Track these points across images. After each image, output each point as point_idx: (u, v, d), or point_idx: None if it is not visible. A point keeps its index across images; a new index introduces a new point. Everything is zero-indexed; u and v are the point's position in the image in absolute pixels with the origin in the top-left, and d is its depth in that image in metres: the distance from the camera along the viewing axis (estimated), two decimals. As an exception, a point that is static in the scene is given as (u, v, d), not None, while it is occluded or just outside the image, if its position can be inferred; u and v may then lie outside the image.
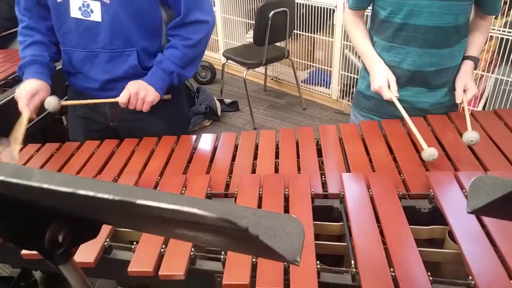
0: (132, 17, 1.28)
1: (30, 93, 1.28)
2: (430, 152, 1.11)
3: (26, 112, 1.27)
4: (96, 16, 1.26)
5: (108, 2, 1.24)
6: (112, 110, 1.42)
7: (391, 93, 1.27)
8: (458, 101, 1.33)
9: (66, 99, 1.52)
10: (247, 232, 0.25)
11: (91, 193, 0.25)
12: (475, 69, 1.38)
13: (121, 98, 1.29)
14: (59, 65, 1.44)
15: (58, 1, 1.27)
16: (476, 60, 1.36)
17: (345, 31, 1.42)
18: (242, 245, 0.37)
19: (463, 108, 1.32)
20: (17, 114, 1.29)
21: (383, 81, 1.29)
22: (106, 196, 0.24)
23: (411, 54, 1.30)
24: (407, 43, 1.30)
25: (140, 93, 1.29)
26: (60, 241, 0.47)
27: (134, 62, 1.33)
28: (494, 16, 1.38)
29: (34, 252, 0.89)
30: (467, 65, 1.35)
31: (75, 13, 1.27)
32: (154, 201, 0.23)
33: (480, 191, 0.58)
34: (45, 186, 0.26)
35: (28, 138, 1.61)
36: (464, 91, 1.33)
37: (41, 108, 1.40)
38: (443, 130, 1.28)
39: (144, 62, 1.35)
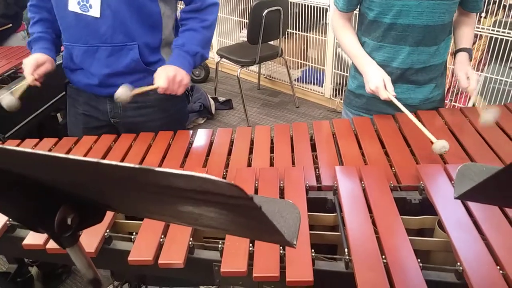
0: (133, 11, 1.30)
1: (37, 62, 1.36)
2: (441, 144, 1.13)
3: (29, 78, 1.34)
4: (95, 11, 1.27)
5: None
6: (114, 106, 1.44)
7: (388, 93, 1.29)
8: (464, 85, 1.34)
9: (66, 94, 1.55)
10: (251, 201, 0.27)
11: (114, 163, 0.27)
12: (470, 59, 1.42)
13: (162, 83, 1.29)
14: (59, 60, 1.46)
15: None
16: (469, 51, 1.41)
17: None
18: (244, 223, 0.40)
19: (452, 105, 1.35)
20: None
21: (379, 81, 1.31)
22: (127, 164, 0.27)
23: (400, 52, 1.35)
24: (397, 42, 1.34)
25: (177, 77, 1.31)
26: (69, 223, 0.50)
27: (136, 56, 1.34)
28: (477, 13, 1.43)
29: (37, 242, 0.91)
30: (462, 56, 1.39)
31: (73, 7, 1.29)
32: (170, 170, 0.26)
33: (466, 177, 0.61)
34: (71, 157, 0.28)
35: (24, 135, 1.63)
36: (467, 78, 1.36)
37: (37, 105, 1.42)
38: (433, 124, 1.32)
39: (146, 56, 1.37)
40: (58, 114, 2.33)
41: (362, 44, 1.42)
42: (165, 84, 1.30)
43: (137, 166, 0.27)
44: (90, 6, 1.27)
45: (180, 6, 1.45)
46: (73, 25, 1.32)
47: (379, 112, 1.43)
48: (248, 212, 0.31)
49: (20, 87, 1.33)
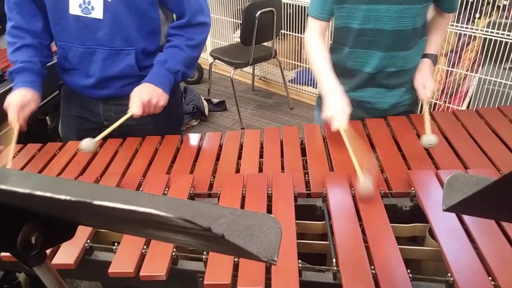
0: (132, 16, 1.27)
1: (21, 105, 1.25)
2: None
3: (17, 125, 1.24)
4: (98, 13, 1.25)
5: (110, 0, 1.24)
6: (106, 109, 1.41)
7: (340, 125, 1.16)
8: (421, 97, 1.34)
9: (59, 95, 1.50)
10: (211, 232, 0.25)
11: (48, 194, 0.25)
12: (434, 65, 1.40)
13: (136, 110, 1.25)
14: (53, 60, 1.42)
15: None
16: (433, 58, 1.38)
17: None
18: (215, 245, 0.37)
19: (446, 107, 1.33)
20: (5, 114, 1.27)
21: (336, 111, 1.18)
22: (63, 197, 0.24)
23: (372, 57, 1.32)
24: (368, 47, 1.31)
25: (152, 100, 1.27)
26: (33, 242, 0.47)
27: (132, 61, 1.32)
28: (451, 14, 1.40)
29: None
30: (424, 63, 1.37)
31: (74, 10, 1.25)
32: (111, 201, 0.23)
33: (455, 189, 0.58)
34: (2, 187, 0.26)
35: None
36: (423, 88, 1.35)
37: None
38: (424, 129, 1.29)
39: (141, 62, 1.35)
40: (47, 117, 2.29)
41: (336, 50, 1.39)
42: (139, 111, 1.25)
43: (73, 199, 0.24)
44: (92, 8, 1.24)
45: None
46: (70, 27, 1.29)
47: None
48: (212, 239, 0.29)
49: (10, 139, 1.23)
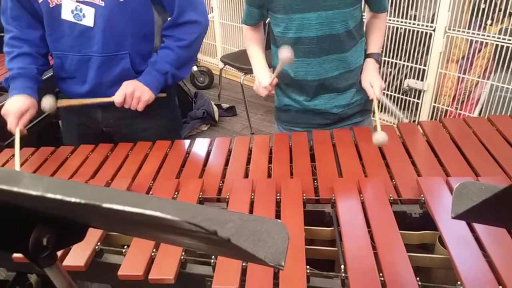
0: (126, 20, 1.29)
1: (20, 112, 1.27)
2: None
3: (17, 132, 1.26)
4: (88, 21, 1.27)
5: (103, 5, 1.25)
6: (104, 116, 1.43)
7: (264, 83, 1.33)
8: (371, 97, 1.34)
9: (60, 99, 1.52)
10: (216, 235, 0.25)
11: (59, 197, 0.25)
12: (378, 63, 1.41)
13: (117, 98, 1.30)
14: (49, 73, 1.44)
15: (50, 6, 1.27)
16: (376, 56, 1.40)
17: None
18: (222, 249, 0.37)
19: (458, 113, 1.32)
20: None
21: (262, 79, 1.36)
22: (73, 199, 0.25)
23: (312, 65, 1.33)
24: (306, 56, 1.32)
25: (135, 93, 1.30)
26: (45, 244, 0.47)
27: (127, 65, 1.33)
28: (386, 13, 1.42)
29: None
30: (368, 63, 1.39)
31: (66, 15, 1.27)
32: (119, 204, 0.24)
33: (464, 197, 0.58)
34: (15, 189, 0.26)
35: (24, 141, 1.61)
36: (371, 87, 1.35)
37: (37, 112, 1.40)
38: (436, 136, 1.29)
39: (137, 65, 1.35)
40: (60, 121, 2.32)
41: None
42: (120, 99, 1.29)
43: (82, 201, 0.25)
44: (84, 16, 1.26)
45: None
46: (66, 34, 1.31)
47: (307, 124, 1.44)
48: (219, 243, 0.29)
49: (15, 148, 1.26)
